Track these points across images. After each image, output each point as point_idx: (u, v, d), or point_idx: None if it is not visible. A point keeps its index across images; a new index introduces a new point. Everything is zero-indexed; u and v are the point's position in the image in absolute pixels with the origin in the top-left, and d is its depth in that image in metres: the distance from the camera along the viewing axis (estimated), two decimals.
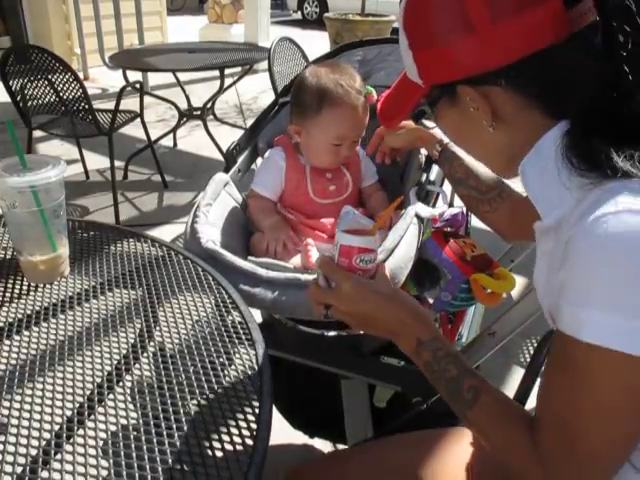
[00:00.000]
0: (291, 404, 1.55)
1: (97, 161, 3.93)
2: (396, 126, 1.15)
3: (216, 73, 3.61)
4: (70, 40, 6.74)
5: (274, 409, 1.63)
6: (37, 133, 4.39)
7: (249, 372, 0.78)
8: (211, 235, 1.12)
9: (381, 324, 0.81)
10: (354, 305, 0.81)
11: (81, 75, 6.41)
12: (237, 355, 0.82)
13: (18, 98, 3.03)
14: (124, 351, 0.84)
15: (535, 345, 1.08)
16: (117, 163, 3.81)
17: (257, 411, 0.71)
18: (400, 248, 1.05)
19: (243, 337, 0.85)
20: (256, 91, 5.85)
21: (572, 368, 0.60)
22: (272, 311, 1.04)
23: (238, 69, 4.32)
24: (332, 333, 1.23)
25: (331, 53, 1.59)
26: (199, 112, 3.83)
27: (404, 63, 0.76)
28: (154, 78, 5.71)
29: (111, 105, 3.25)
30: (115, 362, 0.82)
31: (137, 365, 0.82)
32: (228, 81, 3.83)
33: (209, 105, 3.86)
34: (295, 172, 1.35)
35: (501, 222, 1.10)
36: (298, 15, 13.25)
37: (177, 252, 1.08)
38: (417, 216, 1.12)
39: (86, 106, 2.97)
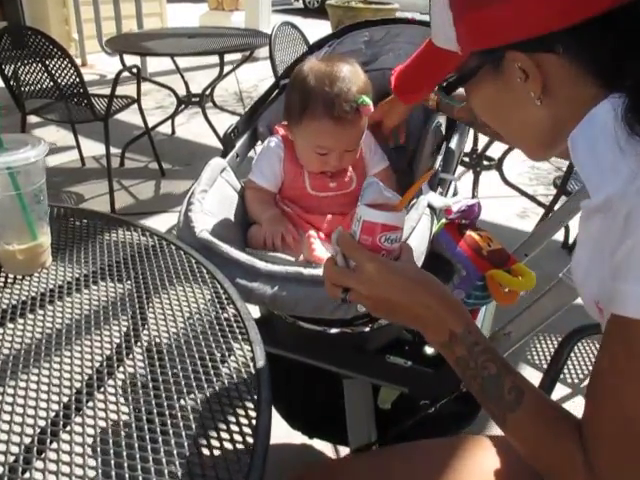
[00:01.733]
0: (290, 404, 1.47)
1: (93, 148, 3.84)
2: (418, 101, 1.06)
3: (216, 60, 3.52)
4: (68, 25, 6.62)
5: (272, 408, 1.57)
6: (32, 119, 4.31)
7: (245, 376, 0.71)
8: (206, 224, 1.04)
9: (407, 311, 0.72)
10: (378, 289, 0.72)
11: (79, 61, 6.30)
12: (232, 356, 0.75)
13: (11, 82, 2.94)
14: (109, 351, 0.76)
15: (546, 342, 1.00)
16: (114, 150, 3.73)
17: (254, 419, 0.64)
18: (412, 241, 0.97)
19: (239, 336, 0.78)
20: (256, 79, 5.75)
21: None
22: (271, 307, 0.96)
23: (238, 56, 4.22)
24: (334, 330, 1.16)
25: (336, 33, 1.50)
26: (198, 99, 3.73)
27: (434, 29, 0.68)
28: (153, 64, 5.61)
29: (108, 91, 3.16)
30: (100, 361, 0.74)
31: (125, 364, 0.74)
32: (228, 68, 3.75)
33: (208, 92, 3.77)
34: (293, 165, 1.27)
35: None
36: (299, 4, 13.09)
37: (169, 242, 1.00)
38: (430, 206, 1.04)
39: (81, 90, 2.87)
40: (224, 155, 1.26)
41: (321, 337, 1.17)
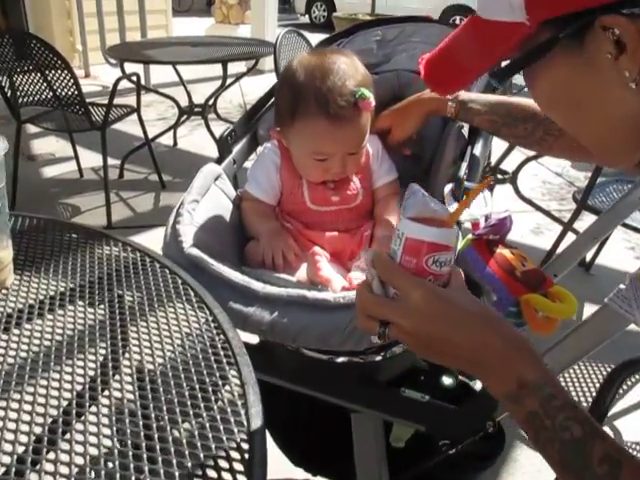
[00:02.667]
0: (291, 438, 1.33)
1: (92, 159, 3.73)
2: (457, 91, 0.93)
3: (221, 73, 3.41)
4: (72, 37, 6.58)
5: (271, 441, 1.43)
6: (31, 129, 4.25)
7: (236, 431, 0.57)
8: (196, 239, 0.91)
9: (464, 353, 0.58)
10: (426, 323, 0.58)
11: (82, 73, 6.26)
12: (220, 397, 0.61)
13: (6, 89, 2.84)
14: (80, 385, 0.63)
15: (588, 373, 0.86)
16: (114, 161, 3.63)
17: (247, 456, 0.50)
18: None
19: (230, 373, 0.64)
20: (261, 91, 5.62)
21: None
22: (270, 336, 0.83)
23: (243, 69, 4.13)
24: (342, 359, 1.02)
25: (345, 31, 1.38)
26: (200, 109, 3.63)
27: None
28: (156, 75, 5.53)
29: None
30: (68, 399, 0.61)
31: (97, 399, 0.61)
32: (233, 80, 3.65)
33: (211, 102, 3.66)
34: (290, 174, 1.12)
35: (564, 151, 0.96)
36: (306, 19, 13.08)
37: (153, 259, 0.87)
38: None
39: (79, 98, 2.76)
40: (219, 161, 1.12)
41: (326, 367, 1.04)
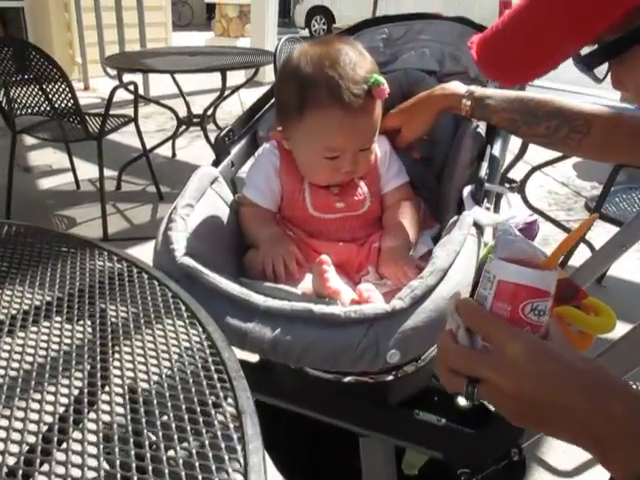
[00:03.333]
0: (294, 464, 1.23)
1: (90, 170, 3.66)
2: (529, 81, 0.85)
3: (220, 85, 3.34)
4: (72, 49, 6.55)
5: (271, 464, 1.34)
6: (28, 141, 4.18)
7: (230, 470, 0.48)
8: (190, 247, 0.82)
9: (576, 420, 0.47)
10: (529, 382, 0.48)
11: (81, 85, 6.23)
12: (211, 431, 0.52)
13: (1, 98, 2.78)
14: (59, 406, 0.54)
15: None
16: (111, 173, 3.56)
17: None
18: (456, 269, 0.74)
19: (224, 401, 0.55)
20: None
21: None
22: (271, 356, 0.73)
23: (243, 78, 4.07)
24: (349, 379, 0.93)
25: (349, 30, 1.30)
26: (199, 120, 3.56)
27: None
28: (155, 87, 5.49)
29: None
30: (49, 423, 0.52)
31: (79, 422, 0.52)
32: (232, 90, 3.58)
33: (210, 112, 3.59)
34: (290, 179, 1.03)
35: (593, 151, 0.90)
36: (306, 32, 13.11)
37: (141, 269, 0.78)
38: (476, 225, 0.82)
39: (74, 107, 2.69)
40: (216, 164, 1.04)
41: (332, 387, 0.95)
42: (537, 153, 2.90)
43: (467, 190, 0.86)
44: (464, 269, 0.76)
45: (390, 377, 0.96)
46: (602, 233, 2.67)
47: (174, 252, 0.79)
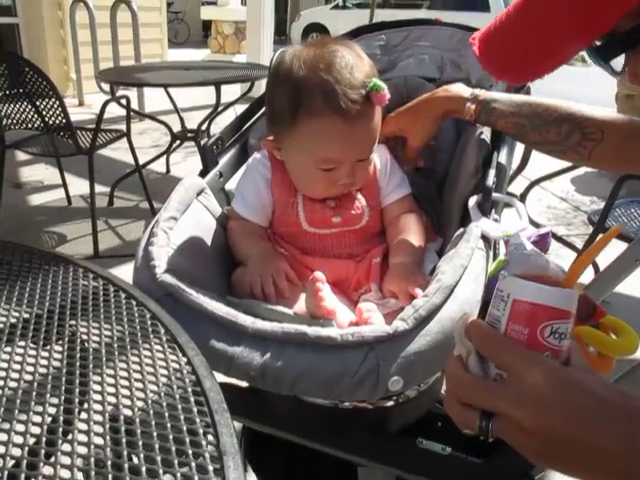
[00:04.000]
0: None
1: (82, 187, 3.60)
2: (535, 79, 0.80)
3: (215, 100, 3.30)
4: (67, 65, 6.53)
5: None
6: (20, 157, 4.12)
7: None
8: (173, 263, 0.76)
9: (607, 462, 0.41)
10: (552, 415, 0.42)
11: (76, 101, 6.20)
12: (187, 475, 0.45)
13: None
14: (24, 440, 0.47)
15: None
16: (104, 189, 3.50)
17: None
18: (463, 286, 0.68)
19: (203, 441, 0.48)
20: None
21: None
22: (261, 383, 0.66)
23: (238, 94, 4.03)
24: (347, 404, 0.86)
25: (347, 35, 1.24)
26: (193, 134, 3.51)
27: None
28: (150, 103, 5.46)
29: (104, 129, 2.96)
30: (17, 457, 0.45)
31: (47, 459, 0.45)
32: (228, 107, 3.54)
33: (204, 127, 3.54)
34: (282, 191, 0.96)
35: (605, 160, 0.85)
36: None
37: (118, 288, 0.71)
38: (483, 237, 0.75)
39: (64, 121, 2.64)
40: (203, 174, 0.97)
41: (329, 414, 0.88)
42: (536, 167, 2.85)
43: (473, 200, 0.80)
44: (472, 286, 0.69)
45: (391, 403, 0.89)
46: (605, 249, 2.62)
47: (154, 269, 0.72)
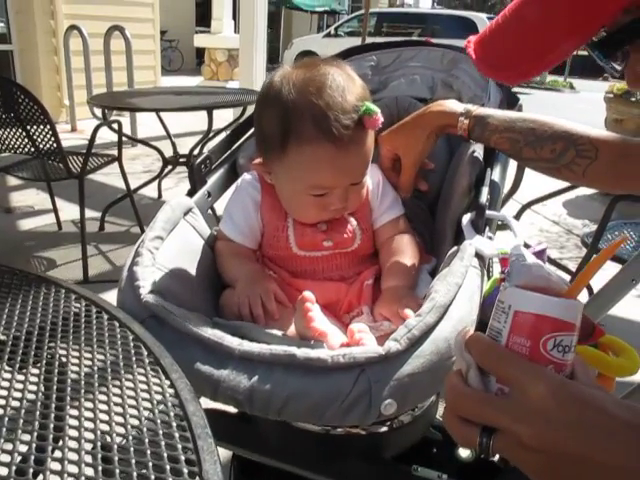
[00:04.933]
0: None
1: (73, 212, 3.57)
2: (533, 77, 0.78)
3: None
4: (60, 92, 6.56)
5: None
6: (11, 181, 4.10)
7: None
8: (158, 284, 0.73)
9: (612, 478, 0.39)
10: (558, 432, 0.40)
11: (69, 127, 6.21)
12: None
13: None
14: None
15: None
16: (96, 214, 3.47)
17: None
18: (458, 305, 0.65)
19: (185, 469, 0.45)
20: None
21: None
22: (248, 408, 0.63)
23: (230, 119, 4.05)
24: (339, 430, 0.83)
25: (337, 56, 1.24)
26: (185, 159, 3.50)
27: None
28: (142, 129, 5.47)
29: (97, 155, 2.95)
30: None
31: None
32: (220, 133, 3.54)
33: (196, 152, 3.54)
34: (272, 215, 0.94)
35: (600, 179, 0.83)
36: None
37: (101, 309, 0.69)
38: (477, 255, 0.73)
39: (55, 144, 2.62)
40: (192, 194, 0.95)
41: (320, 440, 0.85)
42: (528, 191, 2.86)
43: (467, 218, 0.78)
44: (467, 305, 0.66)
45: (384, 428, 0.86)
46: (598, 271, 2.61)
47: (139, 289, 0.70)
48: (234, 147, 1.06)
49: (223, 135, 3.93)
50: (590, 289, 2.38)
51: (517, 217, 2.88)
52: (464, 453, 0.98)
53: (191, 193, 0.96)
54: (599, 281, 1.82)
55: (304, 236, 0.92)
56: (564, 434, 0.40)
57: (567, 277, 2.57)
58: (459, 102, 0.95)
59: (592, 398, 0.41)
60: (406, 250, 0.94)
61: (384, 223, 0.98)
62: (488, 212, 0.78)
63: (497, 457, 0.45)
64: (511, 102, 1.00)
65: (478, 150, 0.92)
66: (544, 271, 0.47)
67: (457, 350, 0.47)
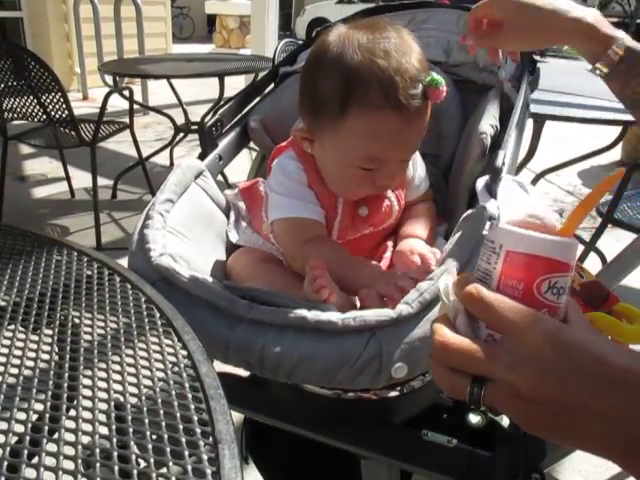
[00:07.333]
0: None
1: (86, 179, 3.58)
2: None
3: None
4: (71, 59, 6.52)
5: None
6: (24, 150, 4.11)
7: None
8: (169, 247, 0.73)
9: (615, 429, 0.37)
10: (554, 381, 0.38)
11: (80, 95, 6.19)
12: (180, 464, 0.43)
13: None
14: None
15: None
16: (108, 182, 3.49)
17: None
18: (470, 269, 0.65)
19: (197, 428, 0.45)
20: None
21: None
22: (258, 370, 0.64)
23: (242, 87, 4.01)
24: (350, 395, 0.83)
25: (348, 19, 1.21)
26: (197, 127, 3.49)
27: None
28: (153, 97, 5.44)
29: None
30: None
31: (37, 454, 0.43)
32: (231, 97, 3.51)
33: (208, 119, 3.51)
34: (326, 195, 0.88)
35: None
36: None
37: (113, 271, 0.69)
38: (491, 219, 0.71)
39: (66, 112, 2.62)
40: (202, 157, 0.95)
41: (331, 404, 0.85)
42: (542, 160, 2.82)
43: (481, 182, 0.76)
44: None
45: (395, 393, 0.86)
46: (611, 241, 2.58)
47: (150, 252, 0.70)
48: (245, 110, 1.04)
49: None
50: (603, 258, 2.36)
51: (535, 182, 2.85)
52: (474, 419, 0.98)
53: (202, 156, 0.95)
54: (613, 250, 1.80)
55: (347, 229, 0.88)
56: (561, 383, 0.38)
57: (581, 248, 2.54)
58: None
59: (591, 345, 0.39)
60: (425, 215, 0.93)
61: (416, 197, 0.96)
62: (503, 177, 0.76)
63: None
64: (532, 70, 0.97)
65: (494, 115, 0.90)
66: (535, 208, 0.44)
67: (443, 294, 0.45)
